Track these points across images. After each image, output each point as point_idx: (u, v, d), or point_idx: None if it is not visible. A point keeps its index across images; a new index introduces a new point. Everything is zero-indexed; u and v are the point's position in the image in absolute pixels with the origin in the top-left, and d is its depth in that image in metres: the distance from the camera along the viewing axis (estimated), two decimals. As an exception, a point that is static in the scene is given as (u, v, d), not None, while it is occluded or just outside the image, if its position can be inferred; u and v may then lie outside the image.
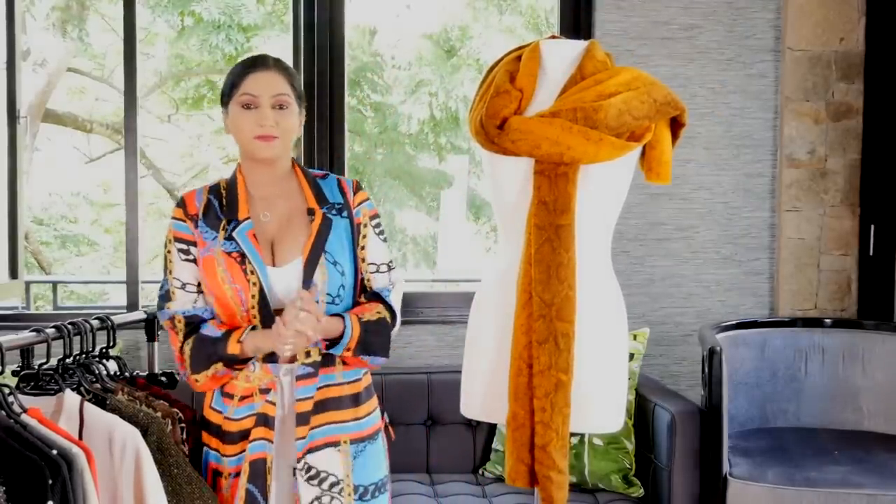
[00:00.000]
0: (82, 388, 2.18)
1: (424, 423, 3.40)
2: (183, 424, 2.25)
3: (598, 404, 2.16)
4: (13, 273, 3.58)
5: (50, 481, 1.78)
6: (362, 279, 2.14)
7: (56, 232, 8.83)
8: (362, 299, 2.13)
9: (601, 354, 2.15)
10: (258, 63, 2.08)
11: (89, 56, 8.55)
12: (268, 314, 2.01)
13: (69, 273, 8.89)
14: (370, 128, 8.59)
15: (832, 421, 3.50)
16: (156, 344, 3.16)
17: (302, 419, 2.04)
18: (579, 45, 2.18)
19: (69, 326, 2.25)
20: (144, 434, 2.05)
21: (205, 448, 2.13)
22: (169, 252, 2.10)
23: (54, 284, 6.49)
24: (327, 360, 2.07)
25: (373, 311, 2.08)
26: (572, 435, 3.13)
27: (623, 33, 3.67)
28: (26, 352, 2.17)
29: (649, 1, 3.68)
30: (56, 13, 8.21)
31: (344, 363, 2.09)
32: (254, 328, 2.02)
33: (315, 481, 2.05)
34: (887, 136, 3.66)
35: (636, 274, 3.72)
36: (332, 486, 2.06)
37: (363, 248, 2.13)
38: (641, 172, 2.19)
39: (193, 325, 2.07)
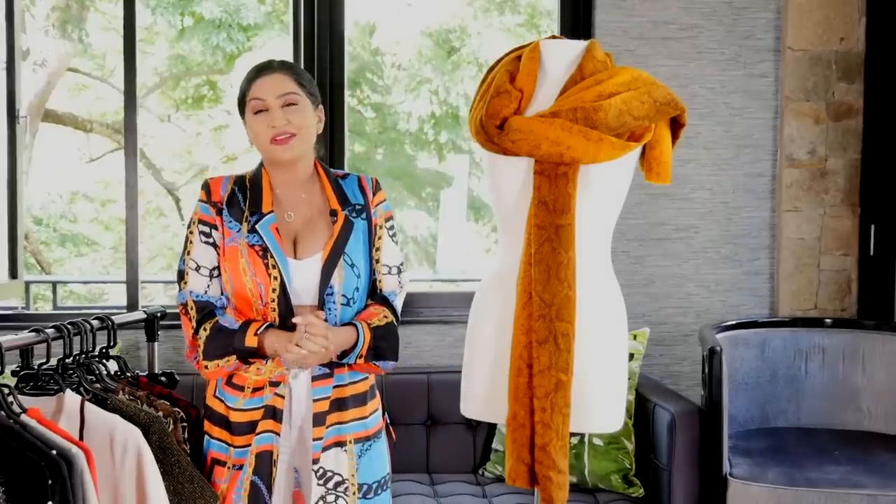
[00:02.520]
0: (82, 388, 2.18)
1: (424, 423, 3.40)
2: (185, 424, 2.25)
3: (598, 404, 2.16)
4: (13, 273, 3.58)
5: (50, 481, 1.78)
6: (374, 280, 2.17)
7: (55, 232, 8.83)
8: (369, 301, 2.15)
9: (601, 354, 2.15)
10: (262, 68, 2.11)
11: (89, 56, 8.54)
12: (287, 308, 2.02)
13: (69, 273, 8.89)
14: (370, 128, 8.59)
15: (832, 421, 3.50)
16: (156, 344, 3.16)
17: (319, 419, 2.05)
18: (579, 45, 2.18)
19: (69, 326, 2.25)
20: (146, 433, 2.06)
21: (206, 437, 2.13)
22: (191, 233, 2.11)
23: (54, 284, 6.49)
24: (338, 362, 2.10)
25: (380, 316, 2.12)
26: (572, 435, 3.13)
27: (623, 33, 3.67)
28: (26, 352, 2.18)
29: (649, 1, 3.68)
30: (56, 13, 8.20)
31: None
32: (271, 325, 2.03)
33: (321, 480, 2.07)
34: (887, 136, 3.66)
35: (636, 274, 3.72)
36: (336, 485, 2.08)
37: (378, 249, 2.16)
38: (641, 172, 2.19)
39: (206, 312, 2.06)
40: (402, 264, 2.21)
